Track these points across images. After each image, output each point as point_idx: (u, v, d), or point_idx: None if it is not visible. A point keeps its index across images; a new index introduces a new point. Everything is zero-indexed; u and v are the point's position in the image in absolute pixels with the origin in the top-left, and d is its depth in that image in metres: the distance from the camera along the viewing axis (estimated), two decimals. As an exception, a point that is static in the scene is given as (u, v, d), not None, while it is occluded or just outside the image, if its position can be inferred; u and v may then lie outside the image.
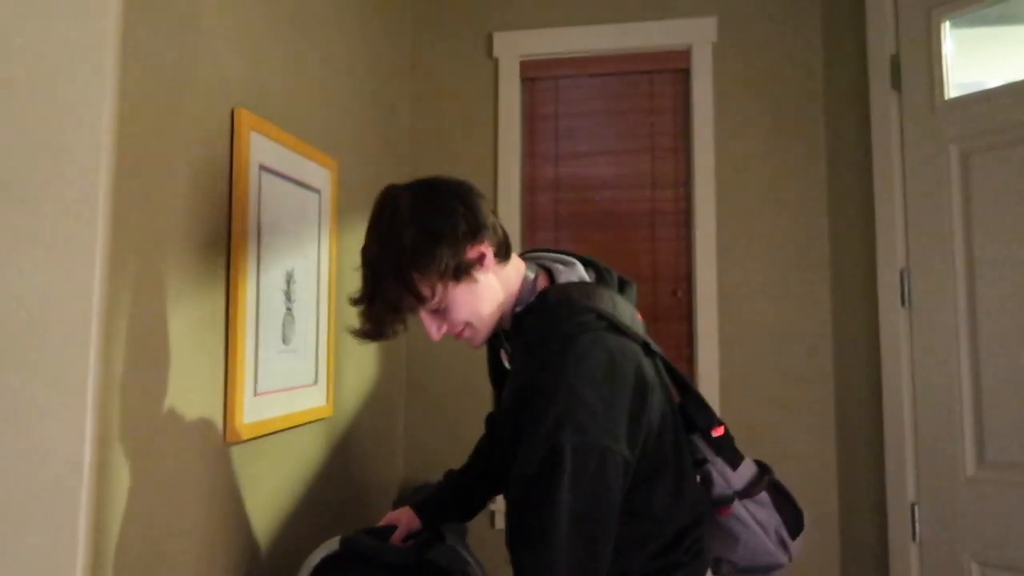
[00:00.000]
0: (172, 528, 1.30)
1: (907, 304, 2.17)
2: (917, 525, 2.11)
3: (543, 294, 1.23)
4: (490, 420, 1.63)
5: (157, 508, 1.26)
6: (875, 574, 2.23)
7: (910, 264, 2.17)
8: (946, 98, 2.10)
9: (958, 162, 2.06)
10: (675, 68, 2.59)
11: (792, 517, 1.37)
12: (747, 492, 1.33)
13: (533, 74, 2.67)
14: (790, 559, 1.36)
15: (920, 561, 2.10)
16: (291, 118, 1.77)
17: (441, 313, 1.21)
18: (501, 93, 2.65)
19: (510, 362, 1.31)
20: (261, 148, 1.59)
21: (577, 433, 1.05)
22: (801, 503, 1.39)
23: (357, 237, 2.22)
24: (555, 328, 1.16)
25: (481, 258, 1.19)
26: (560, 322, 1.16)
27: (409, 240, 1.14)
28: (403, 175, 2.61)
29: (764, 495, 1.35)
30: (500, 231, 1.24)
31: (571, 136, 2.66)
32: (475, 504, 1.59)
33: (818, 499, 2.35)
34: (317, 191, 1.88)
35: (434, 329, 1.22)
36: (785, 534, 1.35)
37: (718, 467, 1.32)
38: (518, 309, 1.25)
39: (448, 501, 1.59)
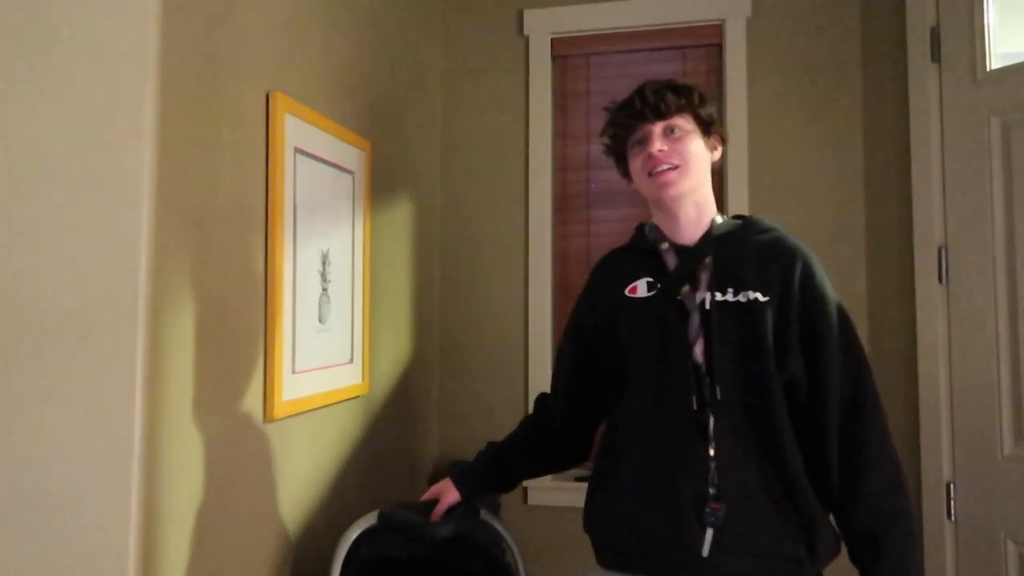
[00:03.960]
0: (217, 503, 1.35)
1: (944, 281, 2.14)
2: (953, 504, 2.10)
3: (748, 218, 1.45)
4: (542, 399, 1.62)
5: (203, 483, 1.31)
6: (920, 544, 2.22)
7: (948, 241, 2.13)
8: (988, 69, 2.05)
9: (999, 135, 2.01)
10: (708, 43, 2.55)
11: None
12: None
13: (564, 51, 2.66)
14: None
15: (955, 540, 2.09)
16: (324, 100, 1.79)
17: (672, 140, 1.38)
18: (532, 71, 2.65)
19: (681, 264, 1.41)
20: (295, 131, 1.62)
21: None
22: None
23: (390, 218, 2.26)
24: (785, 235, 1.42)
25: (717, 148, 1.45)
26: (784, 233, 1.43)
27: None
28: (434, 154, 2.64)
29: None
30: None
31: (602, 114, 2.64)
32: (515, 478, 1.61)
33: (852, 477, 2.34)
34: (351, 172, 1.91)
35: (658, 144, 1.37)
36: None
37: None
38: (718, 219, 1.43)
39: (488, 474, 1.60)
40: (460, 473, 1.62)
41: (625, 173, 1.50)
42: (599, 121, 2.64)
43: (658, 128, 1.38)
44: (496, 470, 1.61)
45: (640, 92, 1.41)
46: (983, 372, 2.02)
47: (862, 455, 1.28)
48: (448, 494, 1.59)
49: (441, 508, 1.58)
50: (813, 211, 2.42)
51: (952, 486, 2.10)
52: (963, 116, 2.10)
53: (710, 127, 1.43)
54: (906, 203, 2.25)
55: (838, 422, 1.29)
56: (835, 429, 1.29)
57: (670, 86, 1.40)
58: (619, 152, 1.47)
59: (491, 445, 1.65)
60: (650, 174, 1.38)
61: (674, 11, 2.55)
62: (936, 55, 2.17)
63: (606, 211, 2.63)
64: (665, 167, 1.36)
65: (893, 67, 2.31)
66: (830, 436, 1.29)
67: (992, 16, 2.07)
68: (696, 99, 1.41)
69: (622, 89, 2.60)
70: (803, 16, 2.45)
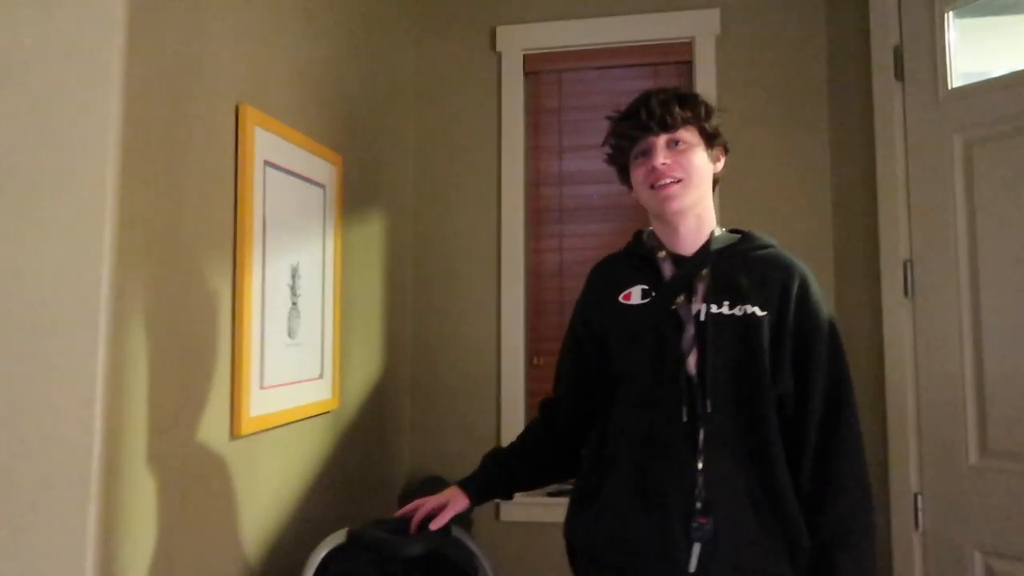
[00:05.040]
0: (180, 521, 1.32)
1: (910, 295, 2.17)
2: (920, 514, 2.12)
3: (747, 232, 1.46)
4: (545, 404, 1.60)
5: (166, 500, 1.28)
6: (878, 563, 2.24)
7: (913, 255, 2.17)
8: (950, 88, 2.10)
9: (962, 152, 2.05)
10: (678, 60, 2.58)
11: None
12: None
13: (536, 68, 2.67)
14: None
15: (923, 550, 2.11)
16: (296, 113, 1.78)
17: (676, 152, 1.36)
18: (504, 87, 2.66)
19: (680, 272, 1.40)
20: (265, 144, 1.60)
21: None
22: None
23: (362, 232, 2.24)
24: (783, 252, 1.43)
25: (720, 160, 1.44)
26: (782, 250, 1.45)
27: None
28: (406, 169, 2.63)
29: None
30: None
31: (574, 130, 2.67)
32: (520, 484, 1.58)
33: (822, 489, 2.35)
34: (322, 186, 1.90)
35: (661, 157, 1.35)
36: None
37: None
38: (717, 232, 1.43)
39: (497, 479, 1.56)
40: (469, 479, 1.57)
41: (626, 182, 1.48)
42: (571, 137, 2.68)
43: (662, 140, 1.36)
44: (504, 474, 1.56)
45: (646, 103, 1.37)
46: (949, 384, 2.05)
47: (834, 474, 1.29)
48: (457, 501, 1.53)
49: (447, 515, 1.52)
50: (780, 226, 2.45)
51: (919, 497, 2.12)
52: (927, 133, 2.14)
53: (714, 139, 1.41)
54: (872, 218, 2.28)
55: (815, 439, 1.30)
56: (811, 446, 1.30)
57: (677, 96, 1.38)
58: (621, 162, 1.45)
59: (497, 450, 1.61)
60: (652, 187, 1.36)
61: (645, 29, 2.58)
62: (900, 73, 2.21)
63: (578, 226, 2.64)
64: (668, 180, 1.35)
65: (858, 85, 2.35)
66: (806, 452, 1.30)
67: (953, 36, 2.12)
68: (702, 111, 1.39)
69: (594, 105, 2.64)
70: (771, 35, 2.50)
